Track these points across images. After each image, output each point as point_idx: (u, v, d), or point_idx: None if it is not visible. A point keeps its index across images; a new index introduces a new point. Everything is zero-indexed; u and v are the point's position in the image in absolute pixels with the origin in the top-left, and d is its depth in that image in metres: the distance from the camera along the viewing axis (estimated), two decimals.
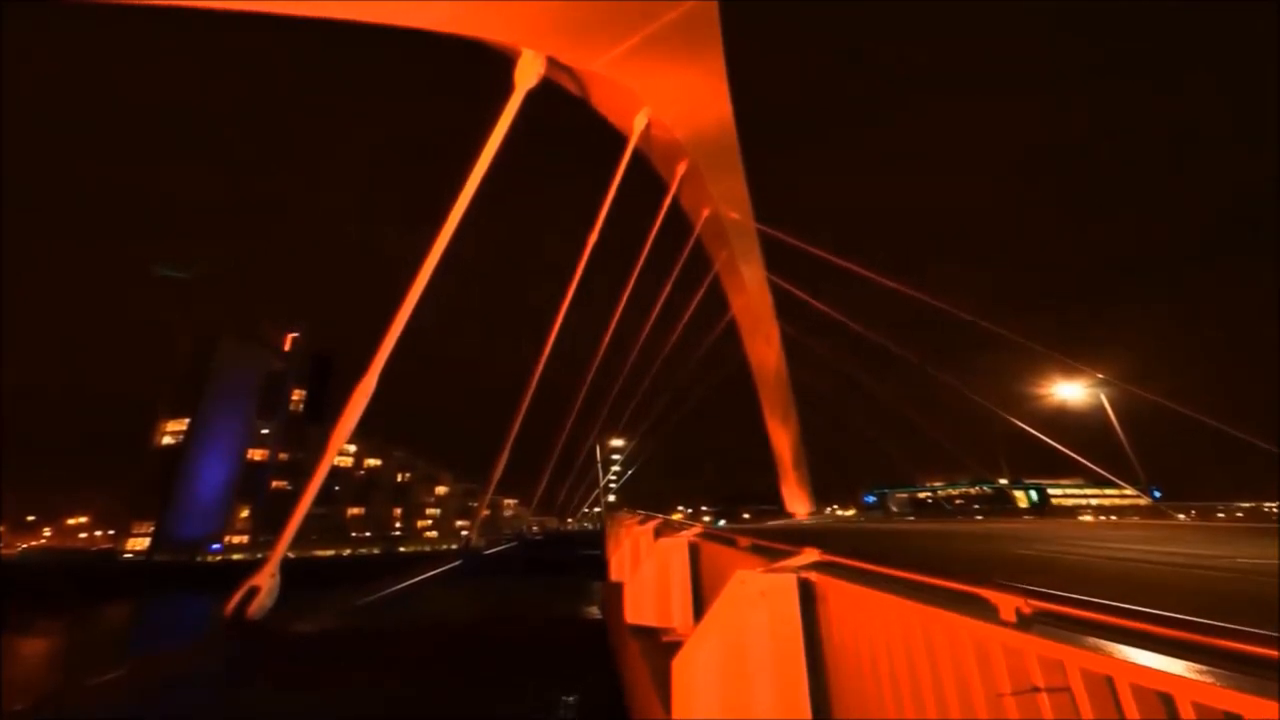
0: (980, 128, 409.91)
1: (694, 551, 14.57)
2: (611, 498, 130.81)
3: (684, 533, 15.43)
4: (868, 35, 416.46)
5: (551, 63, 28.15)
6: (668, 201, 45.57)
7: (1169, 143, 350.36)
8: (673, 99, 38.90)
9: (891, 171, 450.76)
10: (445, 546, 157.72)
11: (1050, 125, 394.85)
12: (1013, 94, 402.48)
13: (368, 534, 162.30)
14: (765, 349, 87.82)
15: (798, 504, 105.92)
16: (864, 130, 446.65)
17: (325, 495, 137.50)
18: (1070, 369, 49.79)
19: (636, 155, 38.26)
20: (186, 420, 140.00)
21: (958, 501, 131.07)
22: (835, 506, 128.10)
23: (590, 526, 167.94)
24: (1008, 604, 4.71)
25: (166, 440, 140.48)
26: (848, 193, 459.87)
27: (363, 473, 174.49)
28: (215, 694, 34.97)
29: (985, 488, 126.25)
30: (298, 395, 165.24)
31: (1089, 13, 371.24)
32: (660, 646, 13.91)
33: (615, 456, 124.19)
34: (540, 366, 33.11)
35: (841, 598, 6.69)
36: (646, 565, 15.60)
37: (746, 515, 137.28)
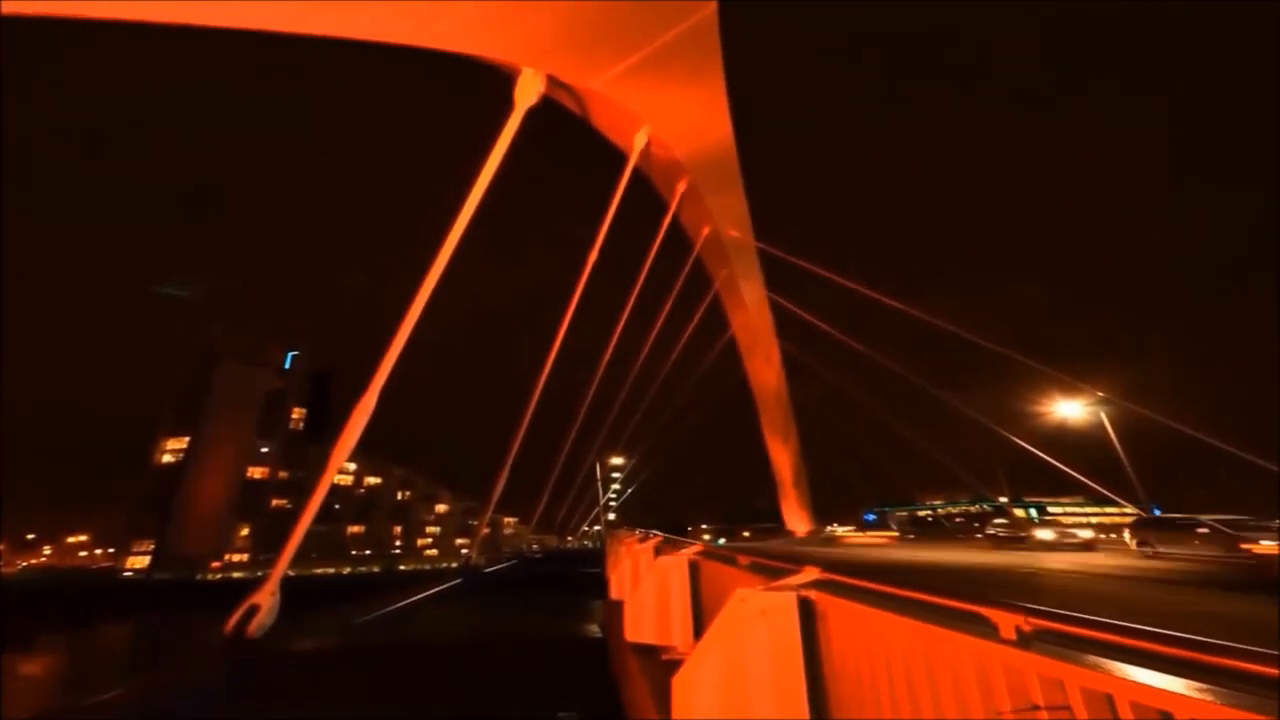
0: (981, 136, 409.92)
1: (694, 569, 14.54)
2: (611, 516, 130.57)
3: (684, 551, 15.41)
4: (869, 41, 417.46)
5: (551, 81, 28.29)
6: (668, 220, 45.67)
7: (1179, 150, 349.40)
8: (672, 117, 39.03)
9: (890, 185, 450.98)
10: (445, 565, 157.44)
11: (1055, 133, 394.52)
12: (1012, 102, 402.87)
13: (368, 552, 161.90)
14: (765, 367, 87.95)
15: (798, 522, 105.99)
16: (863, 138, 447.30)
17: (325, 513, 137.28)
18: (1070, 386, 49.87)
19: (636, 173, 38.38)
20: (187, 438, 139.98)
21: (958, 520, 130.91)
22: (835, 525, 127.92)
23: (590, 544, 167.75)
24: (1007, 622, 4.70)
25: (167, 458, 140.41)
26: (846, 206, 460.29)
27: (363, 491, 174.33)
28: (214, 711, 34.86)
29: (985, 506, 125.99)
30: (298, 414, 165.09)
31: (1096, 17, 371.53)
32: (660, 664, 13.86)
33: (615, 475, 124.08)
34: (540, 385, 33.15)
35: (841, 616, 6.68)
36: (646, 583, 15.56)
37: (747, 534, 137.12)
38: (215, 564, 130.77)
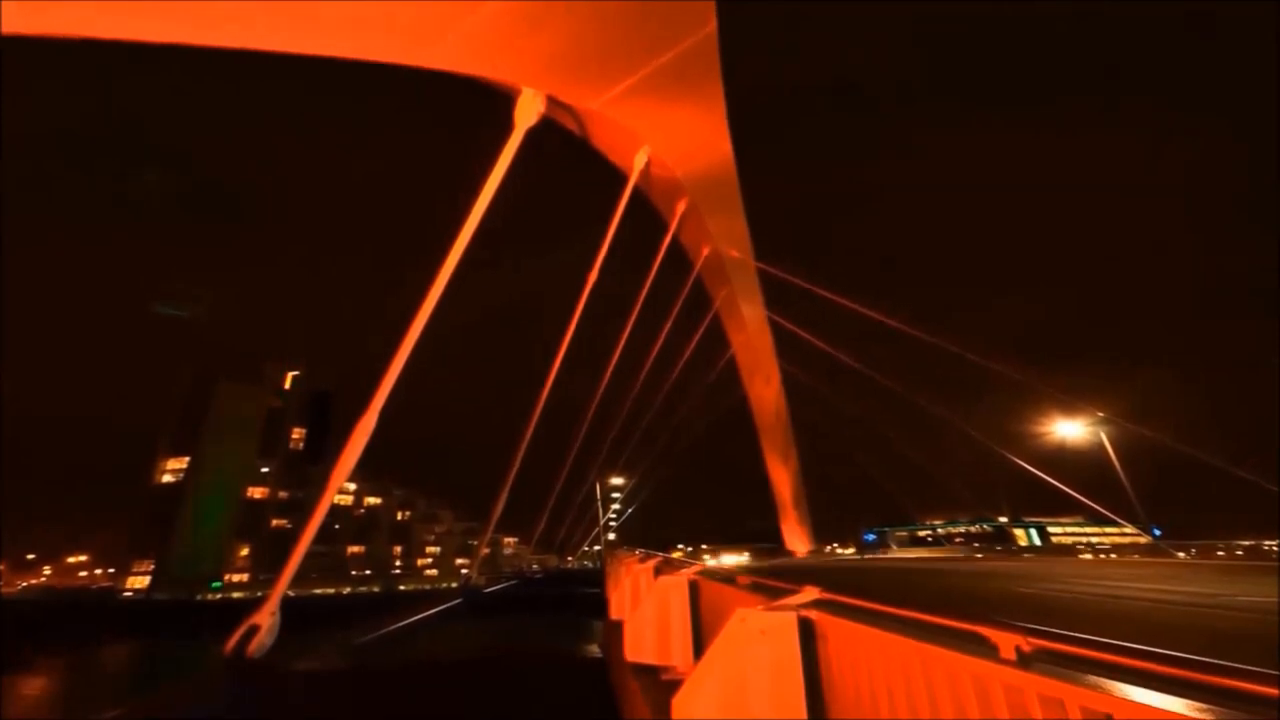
0: (989, 143, 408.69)
1: (694, 589, 14.51)
2: (611, 536, 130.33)
3: (684, 571, 15.39)
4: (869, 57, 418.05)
5: (551, 101, 28.36)
6: (667, 240, 45.67)
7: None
8: (672, 137, 39.05)
9: (890, 195, 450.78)
10: (445, 585, 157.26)
11: (1066, 141, 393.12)
12: (1013, 108, 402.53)
13: (368, 572, 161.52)
14: (765, 387, 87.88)
15: (797, 542, 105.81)
16: (864, 148, 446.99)
17: (325, 533, 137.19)
18: (1070, 406, 49.89)
19: (637, 193, 38.43)
20: (186, 458, 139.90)
21: (958, 540, 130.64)
22: (835, 544, 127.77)
23: (590, 565, 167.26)
24: (1007, 642, 4.70)
25: (166, 478, 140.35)
26: (847, 217, 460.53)
27: (363, 511, 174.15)
28: None
29: (985, 526, 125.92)
30: (298, 434, 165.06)
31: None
32: (660, 684, 13.81)
33: (615, 495, 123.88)
34: (540, 405, 33.14)
35: (841, 636, 6.67)
36: (646, 603, 15.50)
37: (747, 554, 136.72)
38: (215, 584, 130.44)
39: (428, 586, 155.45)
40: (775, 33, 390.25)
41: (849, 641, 6.51)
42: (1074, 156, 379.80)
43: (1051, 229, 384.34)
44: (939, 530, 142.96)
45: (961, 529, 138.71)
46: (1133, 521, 49.44)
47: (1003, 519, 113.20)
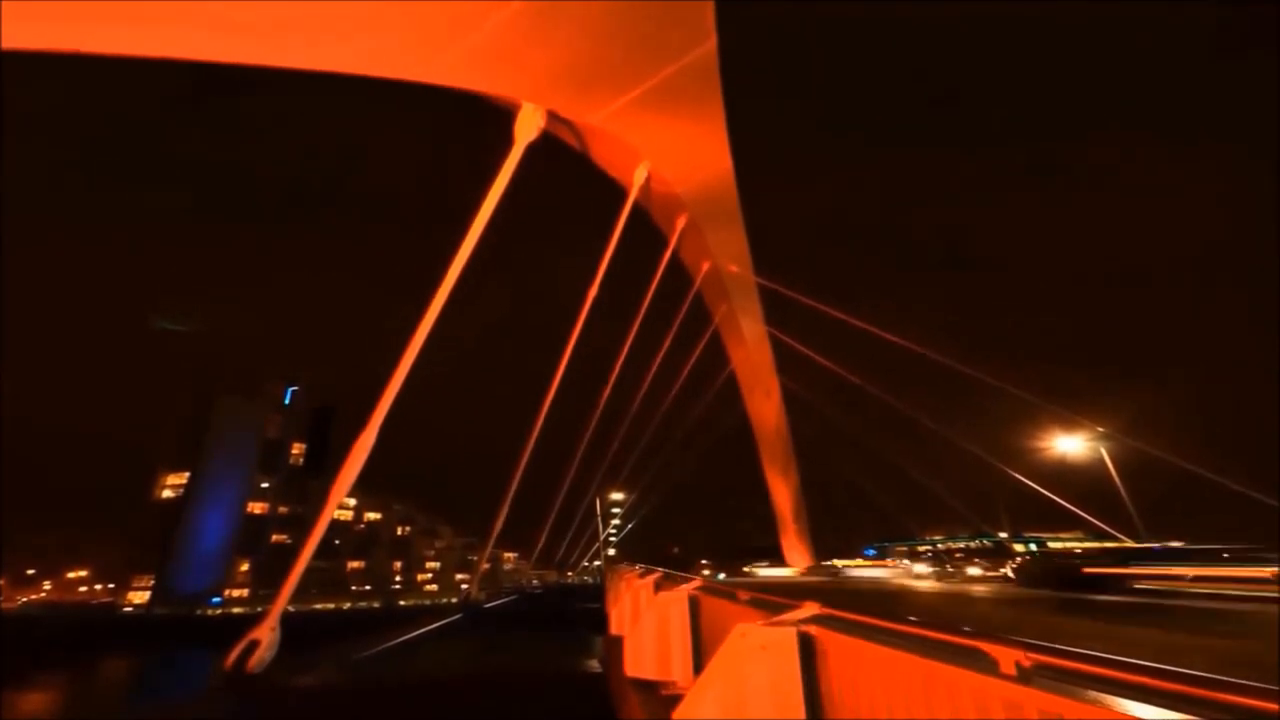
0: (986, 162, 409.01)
1: (694, 605, 14.49)
2: (611, 551, 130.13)
3: (684, 586, 15.37)
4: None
5: (551, 116, 28.38)
6: (667, 255, 45.66)
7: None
8: (672, 153, 39.05)
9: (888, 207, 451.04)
10: (445, 600, 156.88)
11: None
12: (1012, 112, 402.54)
13: (368, 587, 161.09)
14: (765, 403, 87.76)
15: (798, 557, 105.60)
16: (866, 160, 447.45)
17: (325, 549, 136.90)
18: (1070, 422, 49.87)
19: (636, 209, 38.41)
20: (186, 474, 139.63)
21: (958, 555, 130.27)
22: (836, 559, 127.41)
23: (590, 580, 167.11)
24: (1007, 657, 4.69)
25: (166, 493, 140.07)
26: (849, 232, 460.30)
27: (363, 526, 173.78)
28: None
29: (985, 541, 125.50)
30: (298, 449, 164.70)
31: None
32: (660, 699, 13.79)
33: (615, 510, 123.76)
34: (540, 421, 33.07)
35: (841, 651, 6.66)
36: (646, 618, 15.50)
37: (747, 569, 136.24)
38: (215, 599, 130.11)
39: (428, 602, 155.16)
40: (776, 43, 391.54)
41: (849, 657, 6.50)
42: (1074, 161, 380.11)
43: (1051, 234, 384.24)
44: (938, 545, 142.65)
45: (961, 544, 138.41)
46: (1132, 536, 49.41)
47: (1002, 534, 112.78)
